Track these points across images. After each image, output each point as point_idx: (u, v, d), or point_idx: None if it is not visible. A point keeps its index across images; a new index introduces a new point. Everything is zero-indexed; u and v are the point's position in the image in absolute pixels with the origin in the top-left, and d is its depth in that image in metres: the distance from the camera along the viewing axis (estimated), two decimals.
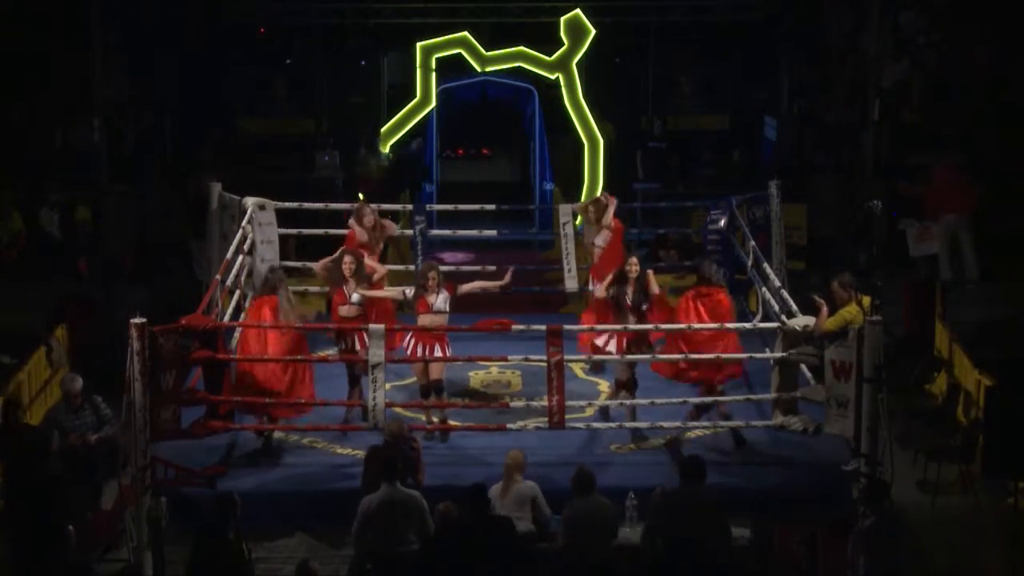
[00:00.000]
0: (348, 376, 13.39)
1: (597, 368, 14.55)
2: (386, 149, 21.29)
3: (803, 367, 12.94)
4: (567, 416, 12.29)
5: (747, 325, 14.11)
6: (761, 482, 12.03)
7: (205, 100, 22.94)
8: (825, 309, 12.29)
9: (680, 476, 10.74)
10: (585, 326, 13.42)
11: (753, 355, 13.42)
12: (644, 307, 12.95)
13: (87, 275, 18.30)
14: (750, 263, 14.99)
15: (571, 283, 16.17)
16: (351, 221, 14.95)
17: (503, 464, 11.20)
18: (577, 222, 16.86)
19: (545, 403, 12.27)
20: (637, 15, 22.44)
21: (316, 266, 14.11)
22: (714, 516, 10.59)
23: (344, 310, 13.38)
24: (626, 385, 13.10)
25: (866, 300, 11.95)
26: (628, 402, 13.01)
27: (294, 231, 16.23)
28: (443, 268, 13.90)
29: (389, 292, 13.54)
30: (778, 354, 12.67)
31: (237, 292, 14.73)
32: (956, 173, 17.93)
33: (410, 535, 10.59)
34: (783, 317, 13.01)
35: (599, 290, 13.41)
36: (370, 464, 11.34)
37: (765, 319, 14.25)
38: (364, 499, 10.70)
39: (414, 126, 21.42)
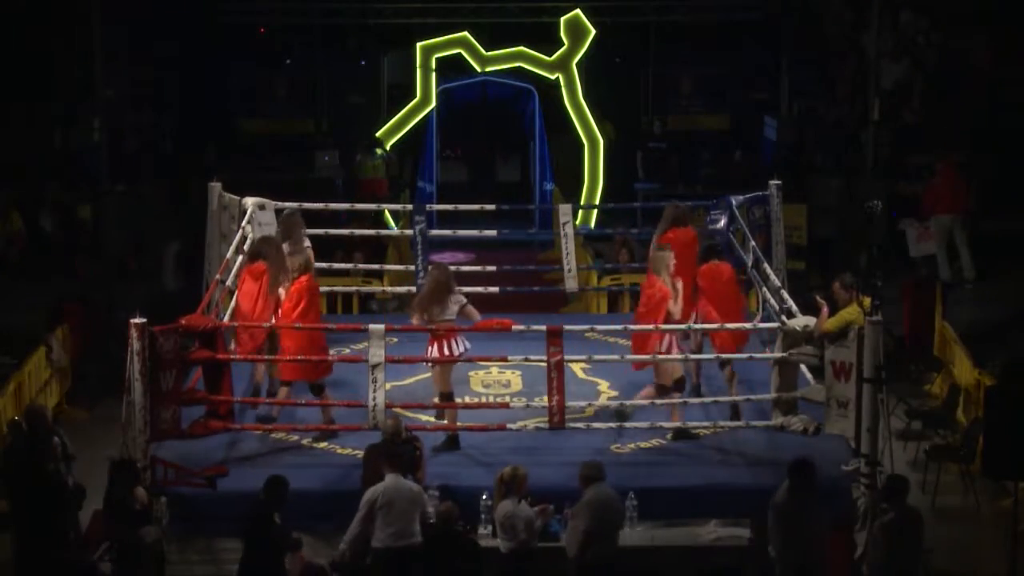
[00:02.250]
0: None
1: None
2: (387, 147, 21.31)
3: (803, 367, 12.92)
4: (567, 416, 12.29)
5: (747, 325, 14.12)
6: (761, 482, 12.01)
7: (205, 100, 22.95)
8: (826, 309, 12.28)
9: (792, 482, 10.73)
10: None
11: (753, 355, 13.43)
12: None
13: (84, 275, 18.29)
14: (750, 263, 14.94)
15: (571, 283, 16.16)
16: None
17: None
18: (578, 222, 16.91)
19: (545, 403, 12.27)
20: (637, 15, 22.47)
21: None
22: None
23: None
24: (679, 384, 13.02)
25: (866, 301, 11.95)
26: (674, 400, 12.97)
27: None
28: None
29: None
30: (778, 354, 12.66)
31: (237, 292, 14.70)
32: (952, 173, 17.94)
33: (415, 526, 10.74)
34: (783, 317, 13.00)
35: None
36: (369, 462, 11.37)
37: (765, 319, 14.24)
38: (371, 489, 10.80)
39: (413, 126, 21.46)
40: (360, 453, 12.19)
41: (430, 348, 12.74)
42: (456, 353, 12.69)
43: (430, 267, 13.61)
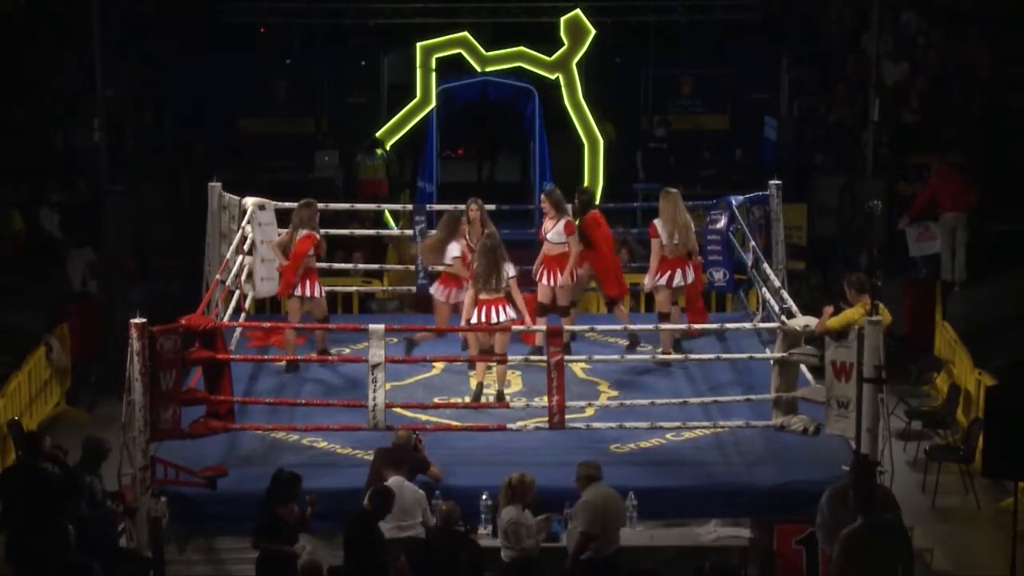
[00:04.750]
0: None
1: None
2: (387, 147, 21.31)
3: (803, 367, 12.93)
4: (567, 416, 12.29)
5: (747, 325, 14.14)
6: (761, 482, 12.02)
7: (205, 100, 22.94)
8: (829, 310, 12.27)
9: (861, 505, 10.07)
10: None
11: (753, 355, 13.44)
12: None
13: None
14: (750, 263, 14.98)
15: None
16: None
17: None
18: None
19: (545, 403, 12.27)
20: (637, 15, 22.46)
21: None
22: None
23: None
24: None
25: (867, 301, 11.96)
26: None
27: None
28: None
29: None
30: (778, 354, 12.66)
31: (237, 292, 14.73)
32: (955, 172, 17.92)
33: (417, 522, 10.93)
34: (783, 317, 13.00)
35: None
36: (376, 465, 11.40)
37: (765, 319, 14.25)
38: (373, 488, 10.91)
39: (413, 126, 21.46)
40: (360, 453, 12.23)
41: (479, 313, 13.09)
42: (503, 319, 13.02)
43: (483, 236, 13.70)
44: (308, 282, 14.29)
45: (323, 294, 14.53)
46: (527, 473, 10.98)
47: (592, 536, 10.63)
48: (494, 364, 14.21)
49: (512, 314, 13.23)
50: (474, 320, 13.23)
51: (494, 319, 13.10)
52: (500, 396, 13.16)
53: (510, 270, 13.31)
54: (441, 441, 12.43)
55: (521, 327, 13.37)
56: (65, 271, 18.03)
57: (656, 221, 14.47)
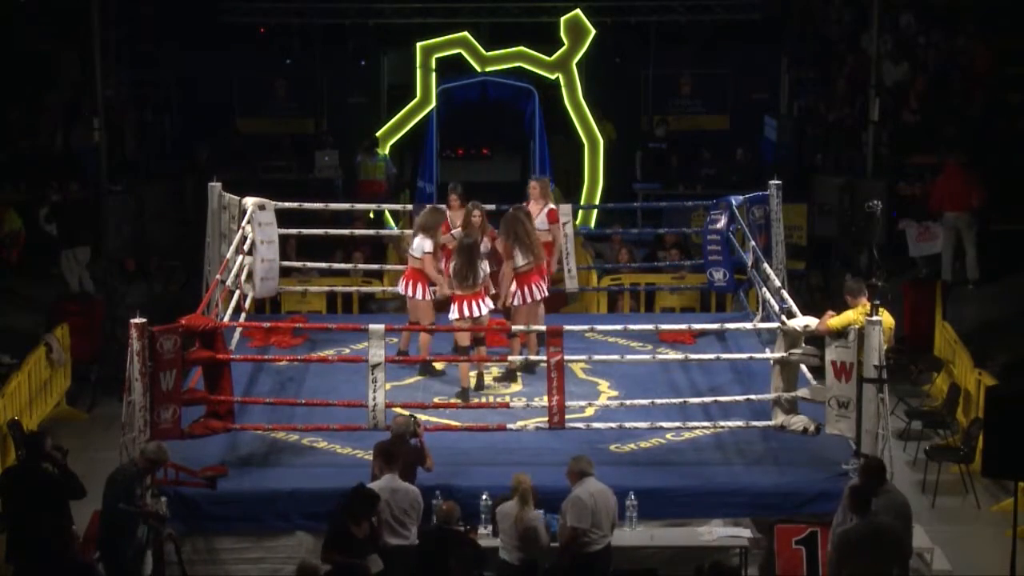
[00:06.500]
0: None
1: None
2: (384, 150, 21.32)
3: (803, 367, 12.92)
4: (567, 416, 12.29)
5: (747, 325, 14.13)
6: (761, 482, 12.02)
7: (205, 100, 22.95)
8: (831, 314, 12.26)
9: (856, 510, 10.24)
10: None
11: (753, 355, 13.43)
12: None
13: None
14: (750, 263, 14.98)
15: (571, 283, 16.15)
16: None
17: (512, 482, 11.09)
18: (578, 222, 16.93)
19: (545, 403, 12.27)
20: (637, 15, 22.47)
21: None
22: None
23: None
24: None
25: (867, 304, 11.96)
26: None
27: (294, 231, 16.24)
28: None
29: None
30: (778, 354, 12.66)
31: (237, 292, 14.73)
32: (959, 171, 17.92)
33: (408, 526, 10.79)
34: (783, 317, 12.99)
35: None
36: (377, 459, 11.39)
37: (765, 319, 14.25)
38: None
39: (413, 126, 21.46)
40: (360, 453, 12.22)
41: (459, 309, 13.27)
42: (482, 313, 13.24)
43: (460, 237, 13.74)
44: (418, 283, 14.19)
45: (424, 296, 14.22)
46: (526, 478, 10.98)
47: (581, 531, 10.65)
48: (495, 365, 14.27)
49: (491, 307, 13.48)
50: (454, 315, 13.38)
51: (475, 313, 13.35)
52: (480, 381, 13.51)
53: (486, 267, 13.42)
54: (441, 441, 12.43)
55: (522, 327, 13.38)
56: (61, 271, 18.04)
57: (553, 206, 14.77)
